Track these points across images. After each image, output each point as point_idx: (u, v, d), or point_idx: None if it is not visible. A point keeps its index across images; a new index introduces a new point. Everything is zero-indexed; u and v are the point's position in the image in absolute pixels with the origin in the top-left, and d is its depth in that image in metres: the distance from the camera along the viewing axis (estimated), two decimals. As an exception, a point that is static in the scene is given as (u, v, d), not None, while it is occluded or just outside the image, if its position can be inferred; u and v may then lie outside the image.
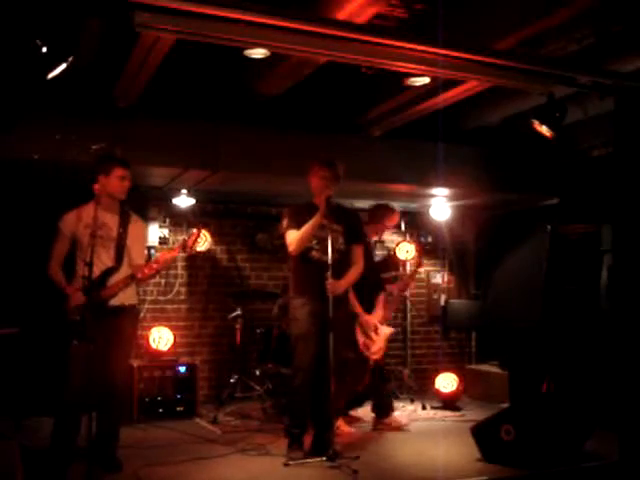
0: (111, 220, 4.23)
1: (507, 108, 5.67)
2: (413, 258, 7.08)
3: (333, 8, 3.79)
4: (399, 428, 5.50)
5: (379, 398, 5.62)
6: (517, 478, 4.19)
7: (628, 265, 4.57)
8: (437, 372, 6.80)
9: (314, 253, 4.56)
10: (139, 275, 4.17)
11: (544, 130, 4.65)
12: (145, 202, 6.60)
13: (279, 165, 5.65)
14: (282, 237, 4.79)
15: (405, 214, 7.77)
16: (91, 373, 3.74)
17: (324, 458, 4.25)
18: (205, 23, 3.50)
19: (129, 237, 4.26)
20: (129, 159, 4.41)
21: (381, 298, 5.54)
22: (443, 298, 7.93)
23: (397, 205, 7.41)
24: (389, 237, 7.83)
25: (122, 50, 4.35)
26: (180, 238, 6.82)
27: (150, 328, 6.39)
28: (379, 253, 7.75)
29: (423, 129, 5.91)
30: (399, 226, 5.59)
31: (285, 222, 4.66)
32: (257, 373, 6.29)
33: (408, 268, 7.48)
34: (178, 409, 5.88)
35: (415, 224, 7.87)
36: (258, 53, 4.42)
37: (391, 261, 7.68)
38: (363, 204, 7.16)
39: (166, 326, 6.47)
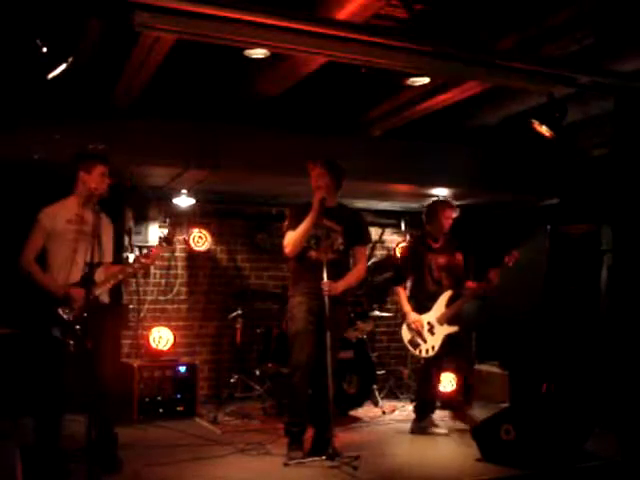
0: (88, 217, 4.12)
1: (507, 108, 5.67)
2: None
3: (333, 8, 3.78)
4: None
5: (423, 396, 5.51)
6: (517, 478, 4.19)
7: (628, 265, 4.58)
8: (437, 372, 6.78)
9: (312, 253, 4.55)
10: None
11: (544, 130, 4.65)
12: (145, 202, 6.61)
13: (279, 165, 5.65)
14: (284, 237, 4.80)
15: (405, 214, 7.79)
16: (85, 373, 3.74)
17: (324, 458, 4.25)
18: (205, 23, 3.50)
19: (103, 234, 4.16)
20: (129, 159, 4.41)
21: (444, 296, 5.39)
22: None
23: (397, 205, 7.46)
24: (389, 237, 7.84)
25: (122, 50, 4.35)
26: (180, 238, 6.85)
27: (150, 328, 6.39)
28: (379, 253, 7.77)
29: (423, 129, 5.91)
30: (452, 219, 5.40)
31: (286, 222, 4.66)
32: (257, 373, 6.30)
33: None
34: (178, 409, 5.88)
35: (415, 224, 7.86)
36: (258, 53, 4.41)
37: (391, 261, 7.71)
38: (363, 204, 7.18)
39: (166, 326, 6.46)
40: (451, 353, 5.48)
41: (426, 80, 4.88)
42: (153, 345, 6.28)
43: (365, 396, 6.14)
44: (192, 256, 6.88)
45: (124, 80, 4.77)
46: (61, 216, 4.08)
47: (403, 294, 5.38)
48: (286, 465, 4.30)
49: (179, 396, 5.91)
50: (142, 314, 6.60)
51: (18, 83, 4.47)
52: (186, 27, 3.52)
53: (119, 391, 5.82)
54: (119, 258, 5.34)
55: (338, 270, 4.50)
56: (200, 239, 6.80)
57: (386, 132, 6.11)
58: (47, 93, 4.59)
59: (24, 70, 4.02)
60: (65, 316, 3.93)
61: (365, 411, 6.09)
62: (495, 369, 6.98)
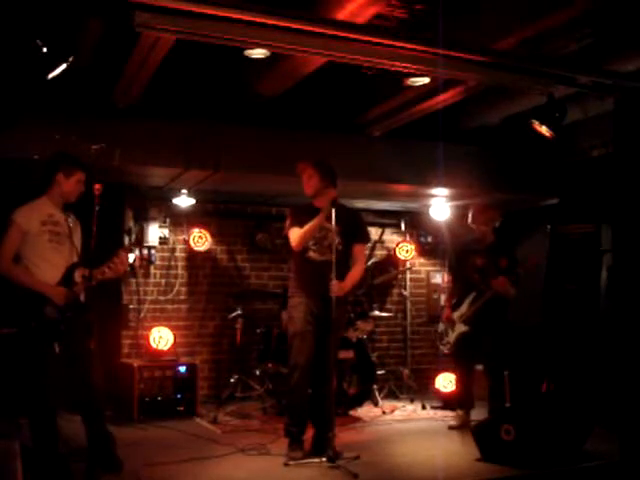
0: (61, 218, 4.11)
1: (507, 108, 5.67)
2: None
3: (333, 8, 3.79)
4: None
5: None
6: (517, 478, 4.19)
7: (628, 265, 4.57)
8: (437, 372, 6.80)
9: (311, 253, 4.55)
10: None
11: (544, 130, 4.65)
12: (145, 202, 6.61)
13: (279, 165, 5.65)
14: (285, 237, 4.80)
15: (405, 214, 7.79)
16: (73, 372, 3.72)
17: (324, 458, 4.24)
18: (205, 23, 3.50)
19: (74, 235, 4.16)
20: (129, 159, 4.40)
21: (469, 297, 5.56)
22: (443, 298, 7.92)
23: (397, 205, 7.46)
24: (389, 237, 7.84)
25: (122, 50, 4.35)
26: (180, 238, 6.85)
27: (150, 328, 6.40)
28: (379, 253, 7.77)
29: (423, 129, 5.91)
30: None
31: (288, 221, 4.66)
32: (257, 373, 6.30)
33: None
34: (178, 409, 5.88)
35: (415, 224, 7.87)
36: (258, 53, 4.42)
37: (390, 261, 7.71)
38: (363, 204, 7.18)
39: (166, 326, 6.47)
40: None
41: (426, 80, 4.88)
42: (153, 345, 6.28)
43: (365, 396, 6.14)
44: (192, 256, 6.89)
45: (124, 80, 4.77)
46: (35, 217, 4.00)
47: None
48: (286, 465, 4.30)
49: (179, 396, 5.91)
50: (142, 314, 6.61)
51: (18, 83, 4.46)
52: (186, 27, 3.51)
53: (117, 390, 5.87)
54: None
55: (339, 270, 4.50)
56: (200, 239, 6.80)
57: (386, 132, 6.11)
58: (47, 93, 4.59)
59: (24, 70, 4.02)
60: (51, 315, 3.90)
61: (365, 411, 6.09)
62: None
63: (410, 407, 6.47)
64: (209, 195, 6.71)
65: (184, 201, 6.57)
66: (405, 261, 7.66)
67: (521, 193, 6.77)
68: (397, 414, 6.13)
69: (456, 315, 5.60)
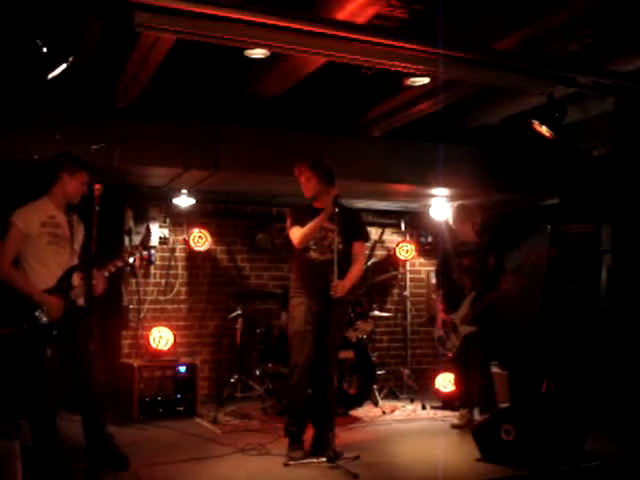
0: (63, 220, 4.08)
1: (507, 108, 5.67)
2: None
3: (333, 8, 3.79)
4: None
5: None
6: (517, 478, 4.19)
7: (628, 265, 4.57)
8: (437, 372, 6.80)
9: (312, 253, 4.55)
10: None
11: (544, 130, 4.65)
12: (145, 202, 6.61)
13: (279, 165, 5.64)
14: (286, 237, 4.80)
15: (405, 214, 7.79)
16: (71, 375, 3.71)
17: (324, 458, 4.25)
18: (205, 23, 3.50)
19: (76, 236, 4.13)
20: (129, 159, 4.40)
21: (468, 298, 5.52)
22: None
23: (397, 205, 7.46)
24: (389, 237, 7.84)
25: (122, 50, 4.35)
26: (180, 238, 6.85)
27: (150, 328, 6.40)
28: (379, 253, 7.77)
29: (423, 129, 5.91)
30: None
31: (289, 221, 4.67)
32: (257, 373, 6.30)
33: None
34: (178, 409, 5.88)
35: (415, 224, 7.87)
36: (258, 53, 4.42)
37: (390, 261, 7.71)
38: (363, 204, 7.18)
39: (166, 326, 6.47)
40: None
41: (426, 80, 4.88)
42: (153, 345, 6.29)
43: (365, 396, 6.14)
44: (192, 256, 6.89)
45: (124, 80, 4.77)
46: (35, 219, 3.97)
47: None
48: (286, 465, 4.30)
49: (179, 396, 5.91)
50: (142, 314, 6.61)
51: (18, 83, 4.46)
52: (186, 27, 3.51)
53: (117, 391, 5.86)
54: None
55: (340, 270, 4.50)
56: (200, 239, 6.80)
57: (386, 132, 6.11)
58: (47, 93, 4.59)
59: (24, 70, 4.02)
60: (43, 320, 3.88)
61: (365, 411, 6.09)
62: (495, 369, 6.97)
63: (410, 407, 6.47)
64: (209, 195, 6.71)
65: (184, 201, 6.57)
66: (405, 261, 7.66)
67: (521, 193, 6.78)
68: (397, 414, 6.13)
69: (457, 318, 5.55)
